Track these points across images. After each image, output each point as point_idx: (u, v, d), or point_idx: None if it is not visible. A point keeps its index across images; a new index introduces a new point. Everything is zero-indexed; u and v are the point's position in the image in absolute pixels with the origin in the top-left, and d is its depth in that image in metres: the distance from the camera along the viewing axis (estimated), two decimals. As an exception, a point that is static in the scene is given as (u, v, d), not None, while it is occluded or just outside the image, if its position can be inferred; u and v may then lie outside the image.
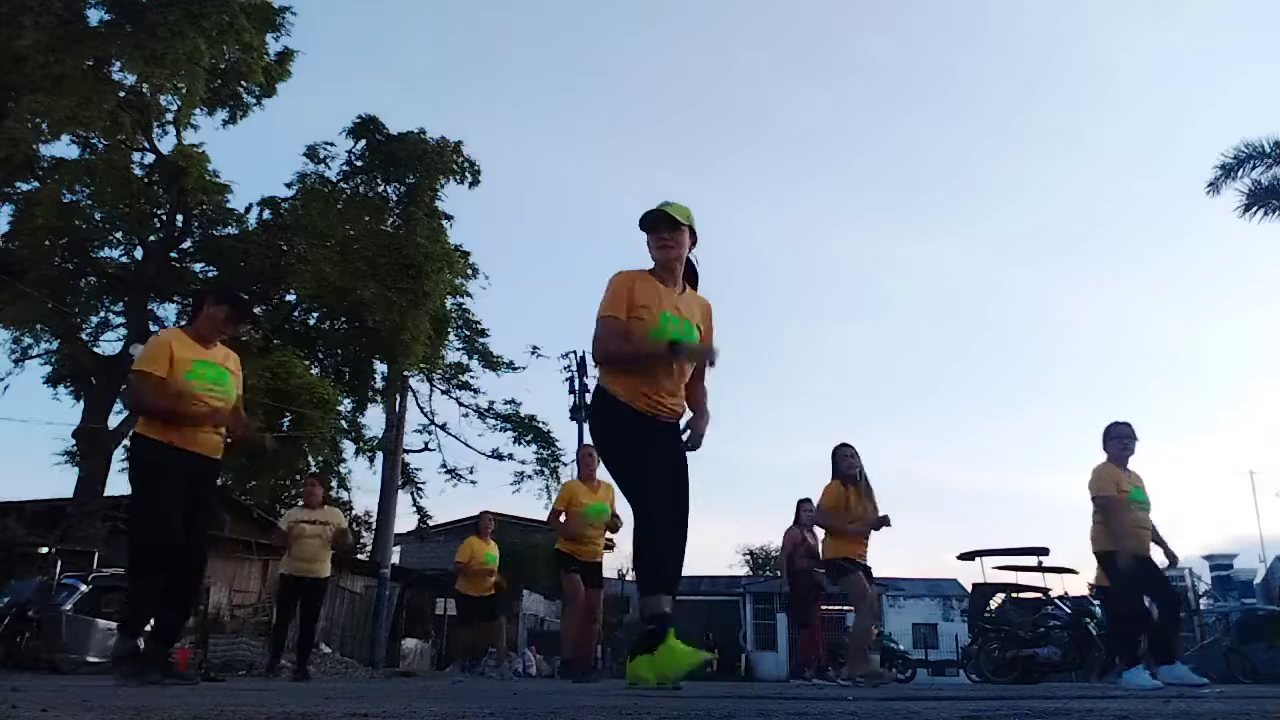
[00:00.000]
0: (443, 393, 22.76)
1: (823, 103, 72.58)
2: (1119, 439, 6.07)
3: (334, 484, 20.58)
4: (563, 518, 7.10)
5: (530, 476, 22.17)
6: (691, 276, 3.56)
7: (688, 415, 3.51)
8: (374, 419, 21.80)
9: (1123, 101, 72.23)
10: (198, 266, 19.22)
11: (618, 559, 41.75)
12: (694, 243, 3.50)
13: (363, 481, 47.32)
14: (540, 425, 22.28)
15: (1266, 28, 68.13)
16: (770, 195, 71.30)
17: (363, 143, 19.75)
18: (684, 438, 3.46)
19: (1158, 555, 6.14)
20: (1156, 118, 73.67)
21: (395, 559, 22.23)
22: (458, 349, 22.52)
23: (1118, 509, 5.85)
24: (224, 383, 4.42)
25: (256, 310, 5.54)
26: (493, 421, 22.53)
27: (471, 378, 22.71)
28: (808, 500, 8.66)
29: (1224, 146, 16.82)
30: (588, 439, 24.98)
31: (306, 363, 18.81)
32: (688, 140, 74.85)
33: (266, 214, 19.12)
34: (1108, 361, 68.97)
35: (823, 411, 64.17)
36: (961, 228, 70.54)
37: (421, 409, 22.60)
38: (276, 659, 7.81)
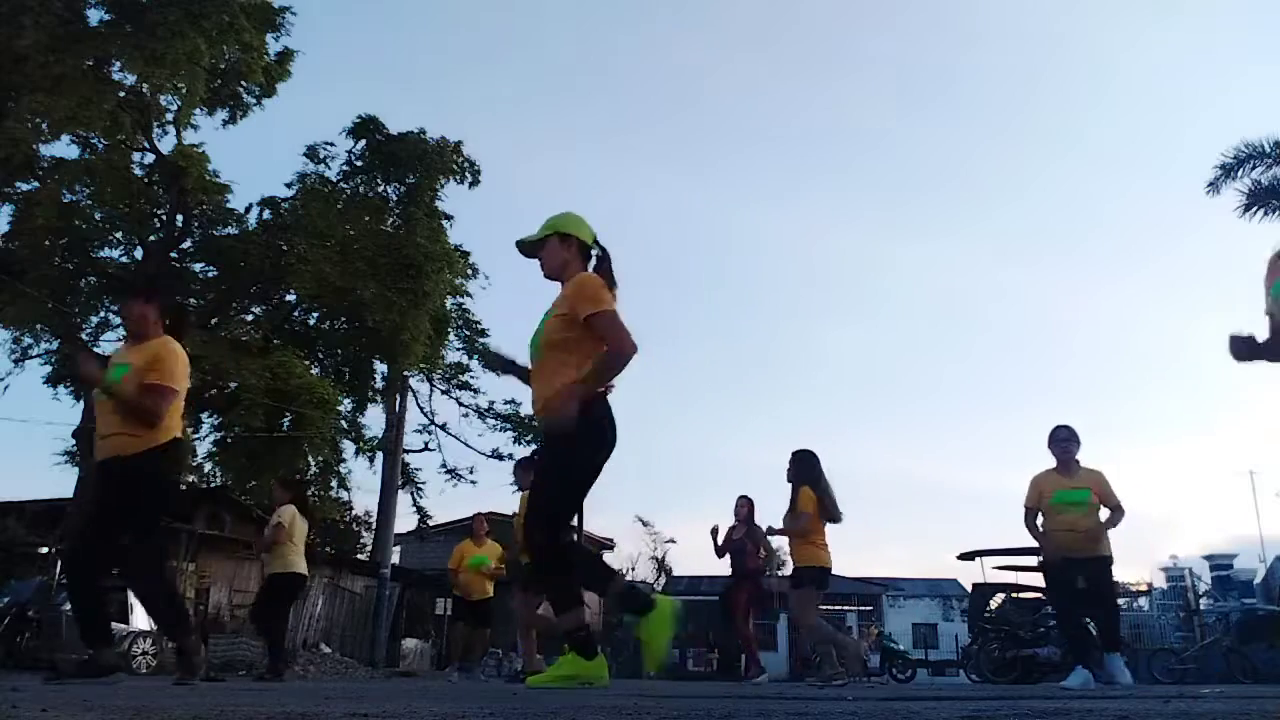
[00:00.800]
0: (443, 393, 22.79)
1: (823, 103, 72.60)
2: (1056, 443, 6.25)
3: (334, 484, 20.61)
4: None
5: (530, 476, 22.15)
6: (602, 267, 3.51)
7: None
8: (374, 419, 21.83)
9: (1123, 101, 72.26)
10: (198, 266, 19.24)
11: (619, 559, 41.89)
12: (569, 240, 3.47)
13: (363, 481, 47.31)
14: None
15: (1267, 28, 68.17)
16: (770, 195, 71.35)
17: (363, 143, 19.77)
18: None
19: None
20: (1157, 118, 73.67)
21: (395, 559, 22.23)
22: (458, 349, 22.54)
23: (1030, 519, 6.26)
24: (115, 378, 4.19)
25: (150, 286, 5.13)
26: (493, 421, 22.56)
27: (471, 378, 22.72)
28: (743, 496, 8.79)
29: (1224, 146, 16.78)
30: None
31: (306, 363, 18.82)
32: (688, 140, 74.90)
33: (266, 214, 19.13)
34: (1108, 361, 69.00)
35: (822, 411, 64.18)
36: (961, 228, 70.59)
37: (421, 409, 22.63)
38: (274, 660, 7.78)
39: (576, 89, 72.86)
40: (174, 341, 4.30)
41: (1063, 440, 6.20)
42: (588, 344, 3.23)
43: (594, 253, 3.51)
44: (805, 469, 6.80)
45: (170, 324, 4.40)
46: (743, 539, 8.63)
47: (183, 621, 4.40)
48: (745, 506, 8.67)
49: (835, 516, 6.74)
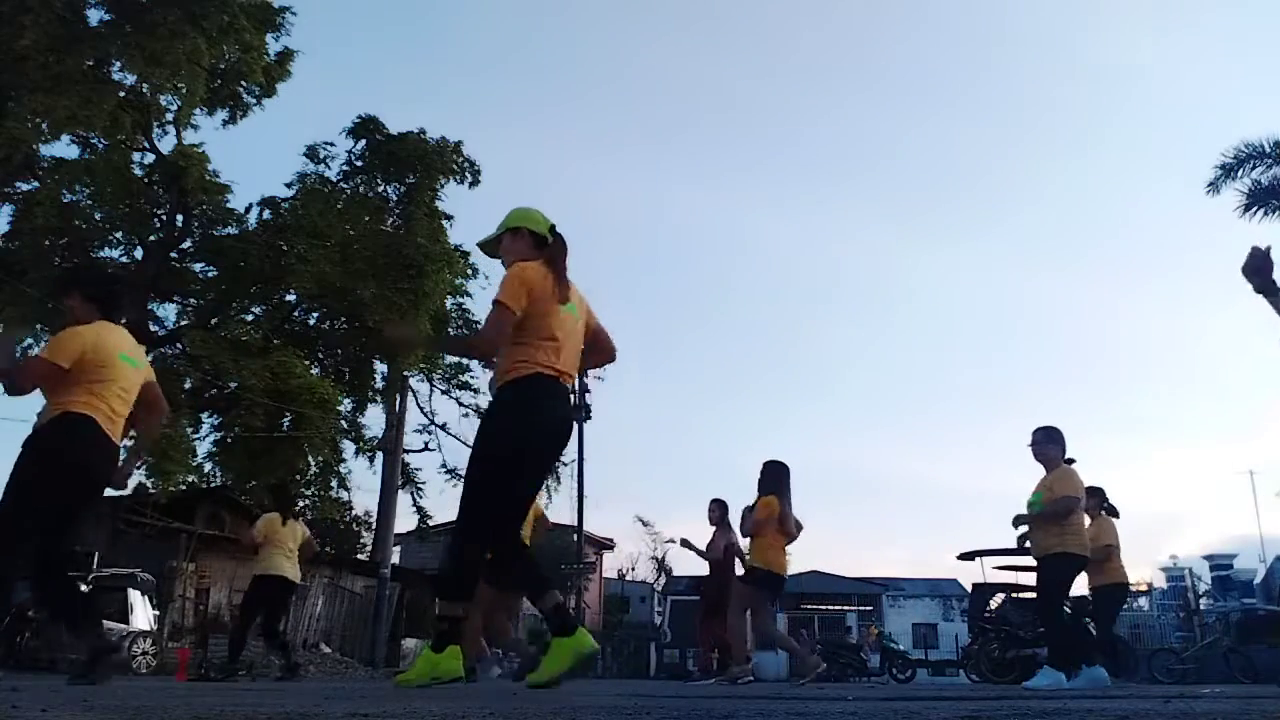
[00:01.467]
0: (443, 393, 22.76)
1: (839, 108, 72.56)
2: (1031, 446, 6.26)
3: (334, 484, 20.61)
4: None
5: (529, 476, 22.13)
6: (550, 252, 3.57)
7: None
8: (374, 419, 21.81)
9: (1137, 103, 72.15)
10: (198, 266, 19.24)
11: (619, 559, 41.86)
12: (519, 233, 3.58)
13: (363, 481, 47.38)
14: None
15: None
16: (779, 198, 71.28)
17: (363, 143, 19.79)
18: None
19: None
20: (1173, 120, 73.50)
21: (395, 559, 22.22)
22: (458, 349, 22.52)
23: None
24: None
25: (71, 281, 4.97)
26: (493, 421, 22.50)
27: (471, 378, 22.66)
28: (715, 499, 8.80)
29: (1235, 147, 16.66)
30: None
31: (306, 363, 18.81)
32: (694, 142, 74.86)
33: (266, 214, 19.14)
34: (1110, 362, 68.97)
35: (824, 412, 64.22)
36: (969, 232, 70.55)
37: (421, 409, 22.61)
38: (287, 659, 7.76)
39: (579, 89, 72.92)
40: (79, 326, 4.15)
41: (1033, 443, 6.21)
42: (525, 325, 3.33)
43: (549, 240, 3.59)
44: (770, 481, 7.04)
45: (101, 307, 4.25)
46: (715, 539, 8.69)
47: (82, 619, 4.19)
48: (716, 509, 8.73)
49: (791, 532, 7.00)
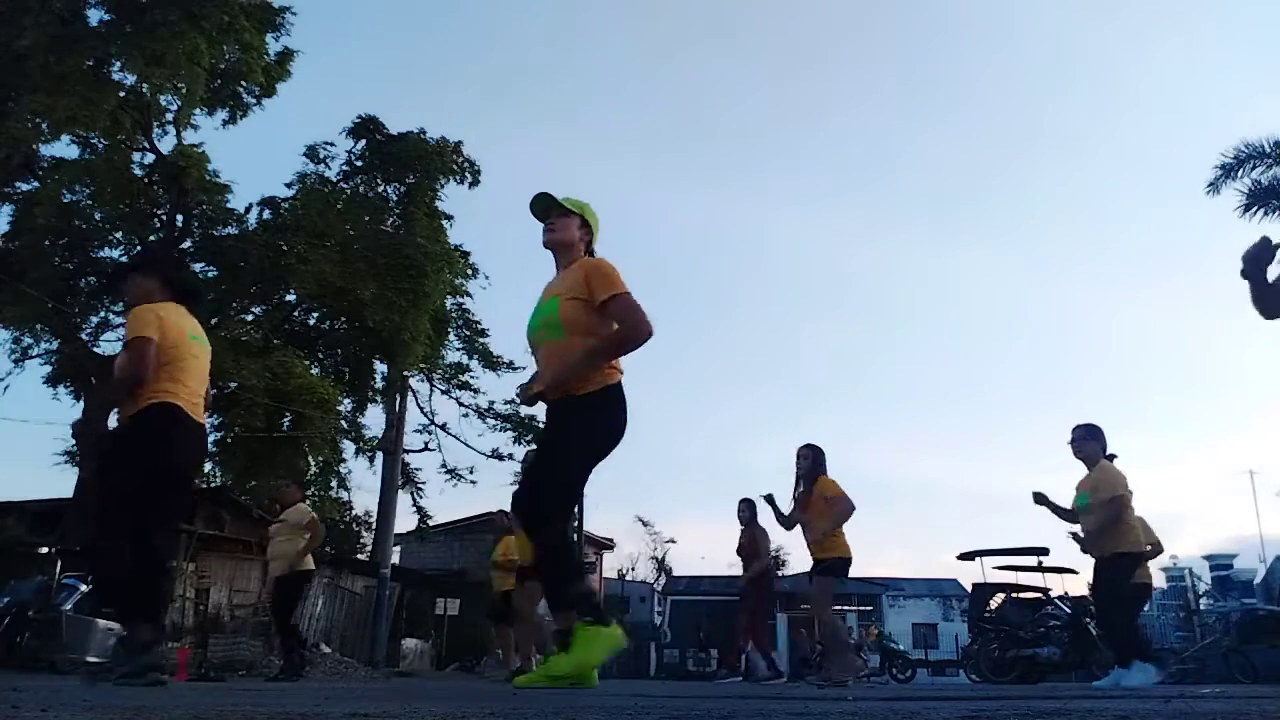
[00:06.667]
0: (443, 393, 22.76)
1: (845, 113, 72.51)
2: (1070, 443, 6.26)
3: (334, 484, 20.60)
4: None
5: (530, 476, 22.13)
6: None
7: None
8: (374, 419, 21.81)
9: (1143, 106, 72.12)
10: (198, 266, 19.20)
11: (619, 559, 41.85)
12: (587, 228, 3.49)
13: (363, 481, 47.36)
14: (540, 425, 22.21)
15: None
16: (789, 199, 71.25)
17: (363, 143, 19.81)
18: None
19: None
20: (1181, 122, 73.44)
21: (395, 559, 22.21)
22: (458, 349, 22.54)
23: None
24: None
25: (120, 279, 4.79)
26: (493, 421, 22.53)
27: (471, 378, 22.70)
28: (744, 500, 8.72)
29: (1235, 147, 16.63)
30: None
31: (306, 363, 18.81)
32: (696, 143, 74.85)
33: (266, 214, 19.15)
34: (1109, 360, 69.00)
35: (823, 412, 64.17)
36: (972, 235, 70.55)
37: (421, 409, 22.61)
38: (297, 657, 7.75)
39: (579, 87, 72.90)
40: (146, 303, 4.03)
41: (1073, 440, 6.20)
42: (605, 326, 3.22)
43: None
44: (824, 461, 6.79)
45: (176, 296, 4.13)
46: (754, 543, 8.62)
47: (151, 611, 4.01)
48: (747, 510, 8.66)
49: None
